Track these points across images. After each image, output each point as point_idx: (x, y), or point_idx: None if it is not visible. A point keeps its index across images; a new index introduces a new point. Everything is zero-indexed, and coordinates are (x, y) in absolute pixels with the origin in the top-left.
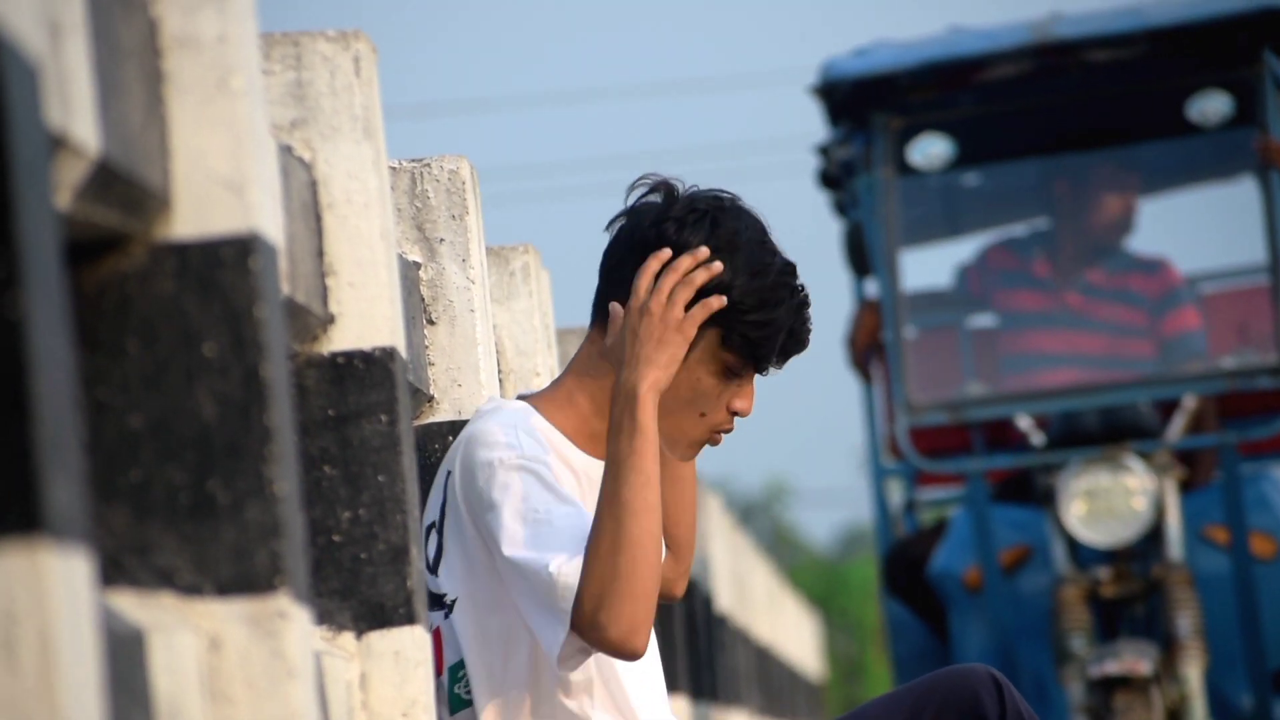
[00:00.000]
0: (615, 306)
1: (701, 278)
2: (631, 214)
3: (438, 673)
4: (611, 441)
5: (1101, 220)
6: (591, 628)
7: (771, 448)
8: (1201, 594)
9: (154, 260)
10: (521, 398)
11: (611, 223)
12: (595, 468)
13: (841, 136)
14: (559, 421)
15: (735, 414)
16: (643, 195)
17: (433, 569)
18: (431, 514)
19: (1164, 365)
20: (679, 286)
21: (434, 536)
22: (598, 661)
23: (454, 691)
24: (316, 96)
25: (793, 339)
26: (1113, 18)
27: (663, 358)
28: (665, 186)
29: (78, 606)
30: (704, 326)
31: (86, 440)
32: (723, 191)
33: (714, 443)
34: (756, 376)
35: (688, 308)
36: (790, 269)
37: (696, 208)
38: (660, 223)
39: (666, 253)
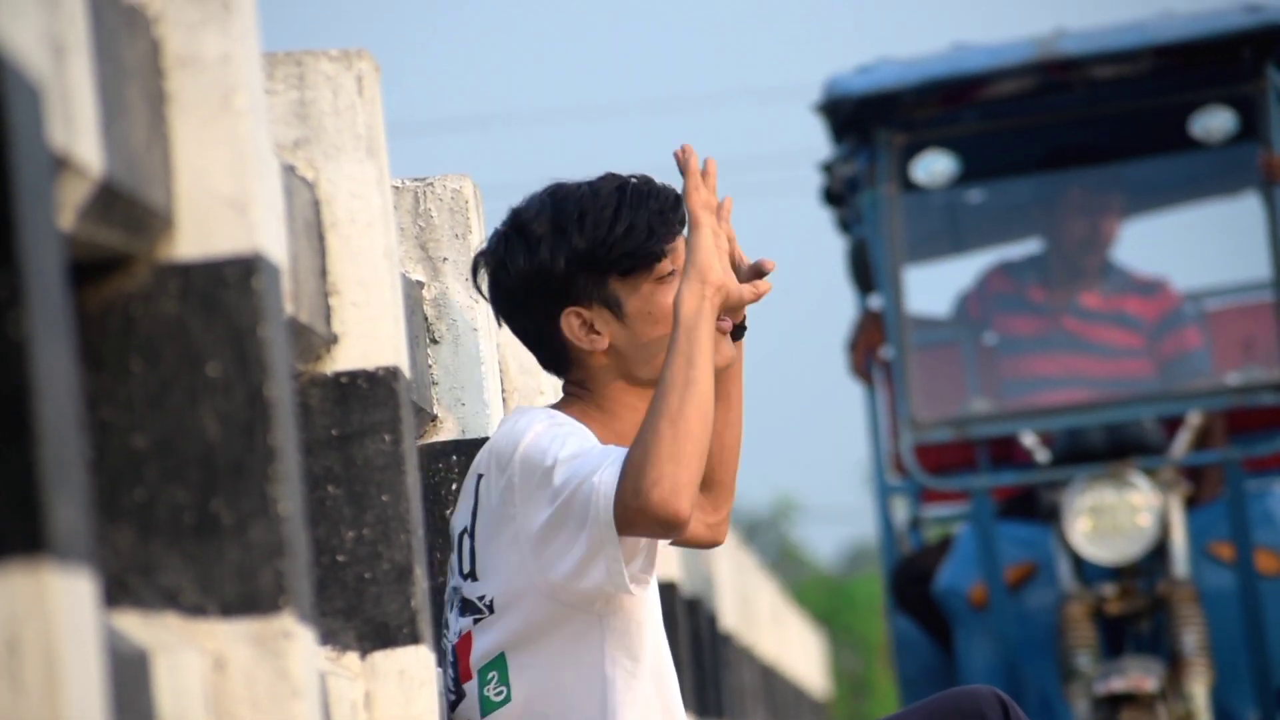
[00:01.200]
0: None
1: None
2: (490, 271)
3: (467, 678)
4: (673, 340)
5: (1092, 238)
6: (634, 496)
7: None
8: (1207, 610)
9: (157, 280)
10: None
11: (490, 296)
12: None
13: (845, 153)
14: (586, 424)
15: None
16: (488, 256)
17: (469, 575)
18: (463, 520)
19: (1166, 383)
20: (696, 189)
21: (467, 542)
22: (632, 654)
23: (484, 694)
24: (319, 116)
25: (659, 215)
26: (1116, 34)
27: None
28: (495, 234)
29: (82, 627)
30: (602, 285)
31: (90, 460)
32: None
33: (723, 329)
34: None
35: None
36: (605, 179)
37: (520, 215)
38: (509, 250)
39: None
